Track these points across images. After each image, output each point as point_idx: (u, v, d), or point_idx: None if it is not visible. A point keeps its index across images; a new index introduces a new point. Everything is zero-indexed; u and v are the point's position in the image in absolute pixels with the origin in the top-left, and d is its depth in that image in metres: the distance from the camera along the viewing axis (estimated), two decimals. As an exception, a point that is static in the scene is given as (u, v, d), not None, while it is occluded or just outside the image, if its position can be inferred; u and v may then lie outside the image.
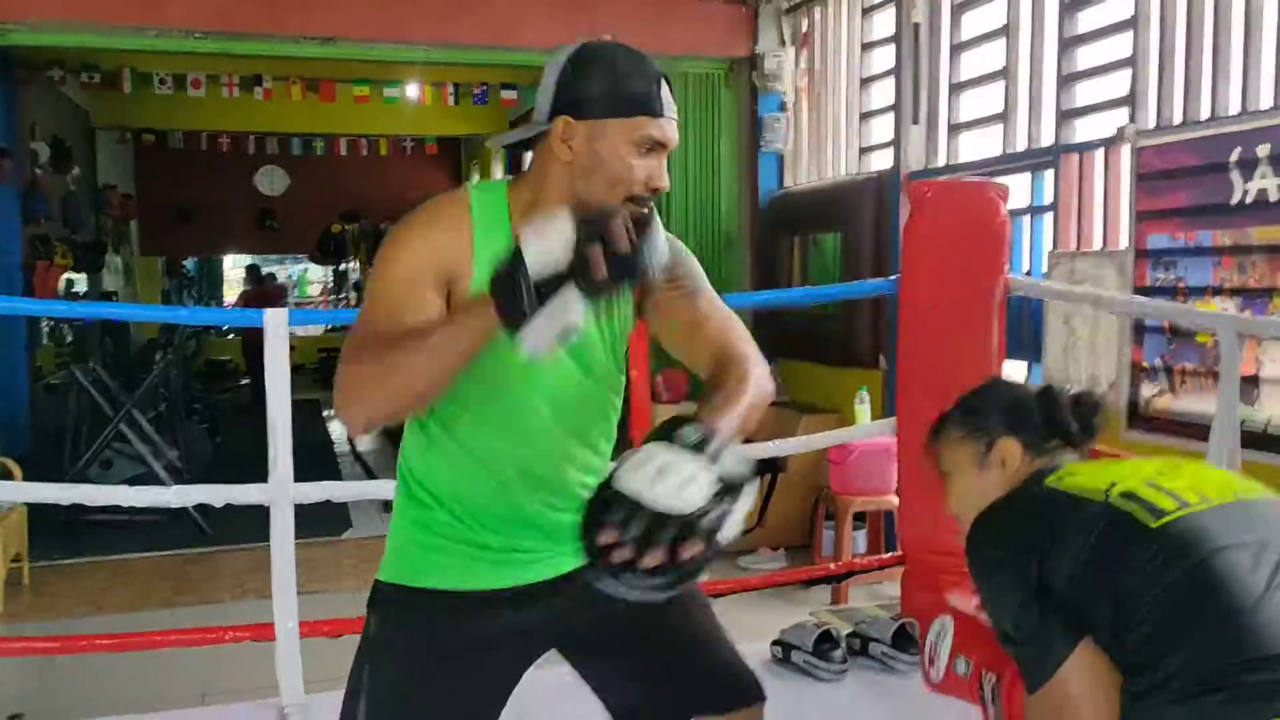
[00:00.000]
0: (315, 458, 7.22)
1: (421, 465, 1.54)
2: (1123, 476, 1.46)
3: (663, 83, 1.44)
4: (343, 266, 16.93)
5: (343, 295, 18.25)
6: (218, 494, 2.76)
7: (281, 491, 2.73)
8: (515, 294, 1.18)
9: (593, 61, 1.43)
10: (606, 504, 1.13)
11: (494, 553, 1.53)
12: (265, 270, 17.66)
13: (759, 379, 1.40)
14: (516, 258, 1.20)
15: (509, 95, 9.11)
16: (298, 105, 9.53)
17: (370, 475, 7.48)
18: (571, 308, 1.18)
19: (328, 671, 3.28)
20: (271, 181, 14.91)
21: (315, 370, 13.18)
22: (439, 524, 1.52)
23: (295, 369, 13.98)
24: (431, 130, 12.76)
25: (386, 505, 6.65)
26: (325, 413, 10.73)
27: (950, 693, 1.50)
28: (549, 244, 1.18)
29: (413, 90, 9.18)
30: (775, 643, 3.01)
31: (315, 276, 20.02)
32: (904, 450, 3.21)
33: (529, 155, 1.57)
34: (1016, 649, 1.45)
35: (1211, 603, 1.29)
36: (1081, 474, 1.52)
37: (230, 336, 13.12)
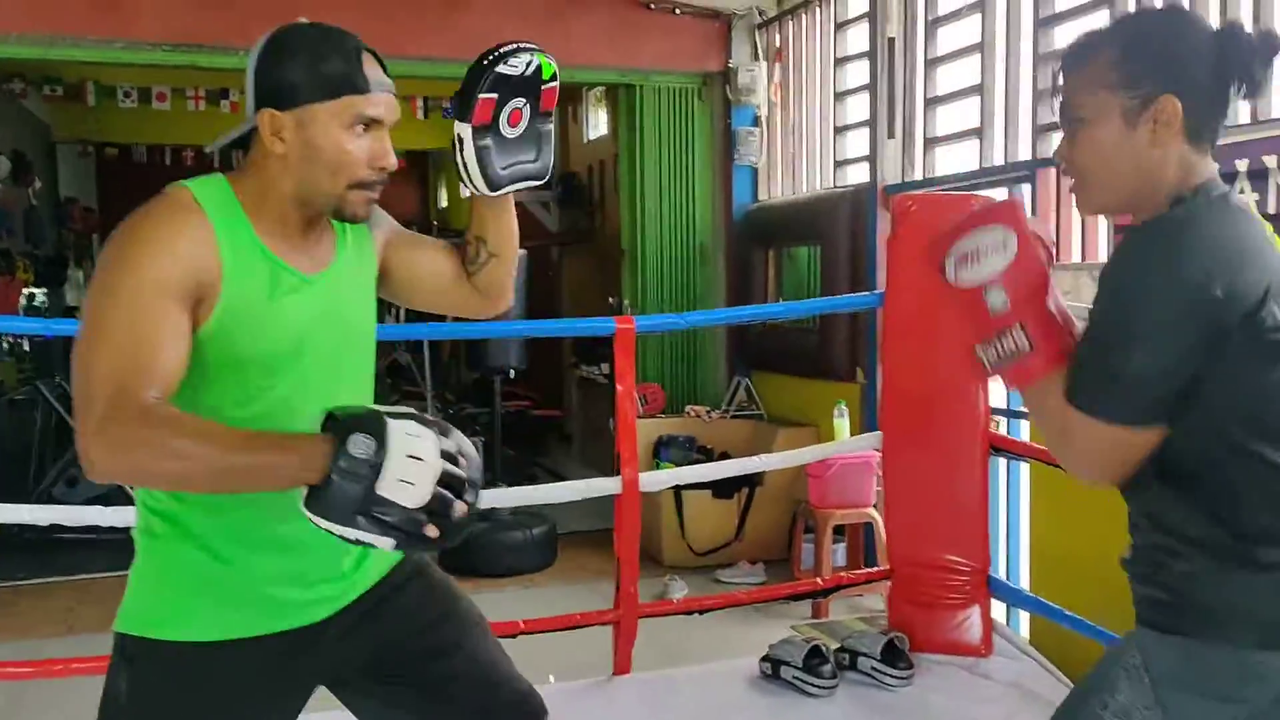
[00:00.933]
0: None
1: (168, 495, 1.39)
2: None
3: (365, 55, 1.37)
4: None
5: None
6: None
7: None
8: (344, 500, 1.13)
9: (285, 47, 1.36)
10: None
11: (253, 595, 1.41)
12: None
13: None
14: (379, 447, 1.12)
15: (479, 109, 9.10)
16: (264, 117, 9.44)
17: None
18: (385, 542, 1.16)
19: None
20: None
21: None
22: (193, 563, 1.39)
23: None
24: (399, 144, 12.45)
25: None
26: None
27: (958, 297, 1.36)
28: (413, 473, 1.13)
29: (382, 103, 9.12)
30: (764, 659, 3.00)
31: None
32: (889, 464, 3.22)
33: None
34: (1121, 370, 1.24)
35: None
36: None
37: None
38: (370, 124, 1.37)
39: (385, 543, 1.14)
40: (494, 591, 4.81)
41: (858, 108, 5.28)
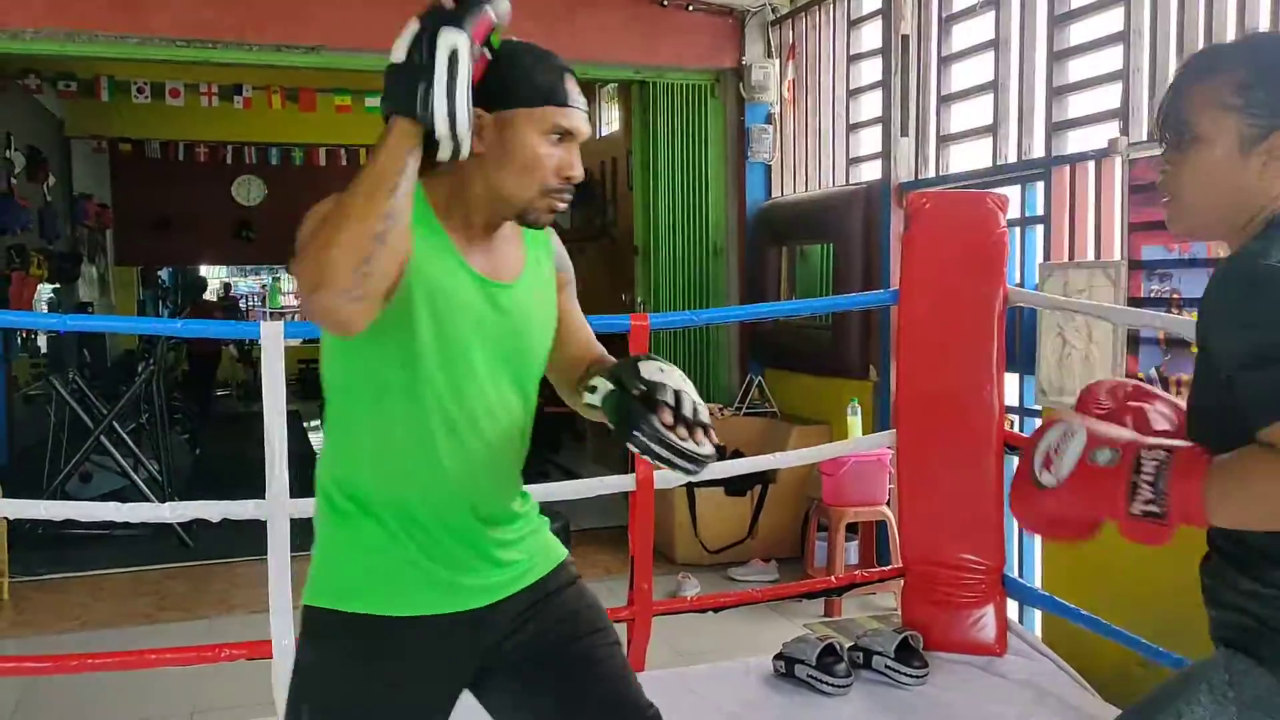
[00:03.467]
0: (296, 469, 7.15)
1: (350, 475, 1.49)
2: None
3: (569, 76, 1.47)
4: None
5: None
6: (214, 509, 2.71)
7: (278, 506, 2.69)
8: (411, 86, 1.31)
9: (499, 57, 1.45)
10: (644, 393, 1.36)
11: (425, 574, 1.48)
12: (223, 280, 17.51)
13: None
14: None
15: (490, 105, 9.10)
16: (277, 115, 9.46)
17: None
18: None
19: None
20: (249, 191, 14.82)
21: (295, 381, 13.06)
22: (368, 536, 1.47)
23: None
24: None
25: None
26: (306, 424, 10.65)
27: (1072, 495, 1.29)
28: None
29: (394, 100, 9.13)
30: (778, 657, 2.99)
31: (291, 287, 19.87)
32: (904, 461, 3.20)
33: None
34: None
35: None
36: None
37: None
38: (564, 135, 1.45)
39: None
40: (506, 588, 4.81)
41: (871, 105, 5.26)
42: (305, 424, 10.61)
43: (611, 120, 8.83)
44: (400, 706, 1.49)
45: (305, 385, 13.07)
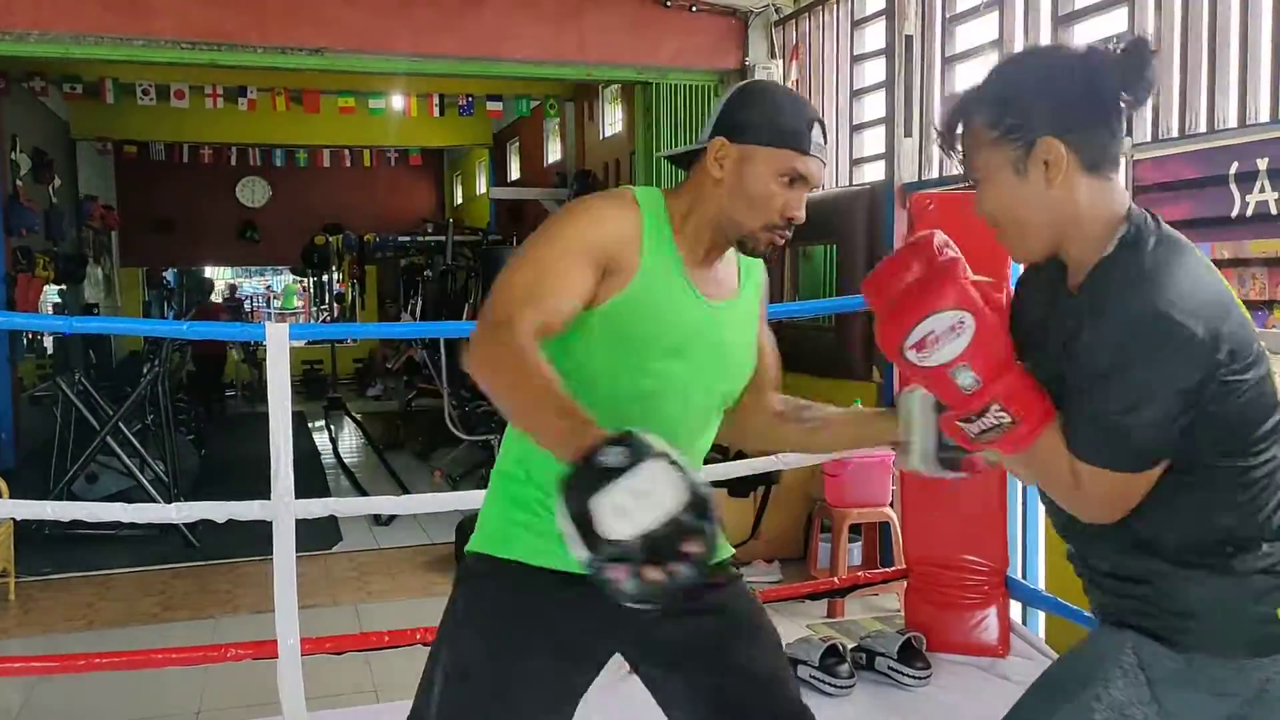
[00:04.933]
0: (301, 470, 7.18)
1: (523, 443, 1.57)
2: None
3: (817, 126, 1.55)
4: (324, 278, 16.85)
5: (324, 306, 18.15)
6: (220, 510, 2.72)
7: (284, 507, 2.71)
8: (580, 498, 1.15)
9: (756, 93, 1.57)
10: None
11: None
12: (230, 282, 17.53)
13: None
14: (611, 473, 1.15)
15: (494, 107, 9.13)
16: (281, 116, 9.50)
17: (359, 488, 7.41)
18: (578, 556, 1.16)
19: (328, 688, 3.27)
20: (253, 193, 14.87)
21: (299, 382, 13.09)
22: (531, 500, 1.56)
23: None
24: (415, 141, 12.75)
25: (377, 519, 6.61)
26: (311, 425, 10.68)
27: (924, 381, 1.35)
28: (632, 507, 1.13)
29: (398, 101, 9.17)
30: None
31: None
32: (907, 463, 3.20)
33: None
34: (1127, 424, 1.25)
35: None
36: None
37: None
38: (796, 180, 1.53)
39: (579, 552, 1.15)
40: (510, 588, 4.82)
41: (875, 105, 5.27)
42: (310, 425, 10.65)
43: (615, 121, 8.84)
44: (539, 651, 1.54)
45: (309, 386, 13.12)
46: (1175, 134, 3.52)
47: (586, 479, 1.15)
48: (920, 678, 2.91)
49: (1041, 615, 3.75)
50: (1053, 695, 1.41)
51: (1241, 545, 1.31)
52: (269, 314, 20.37)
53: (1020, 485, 3.92)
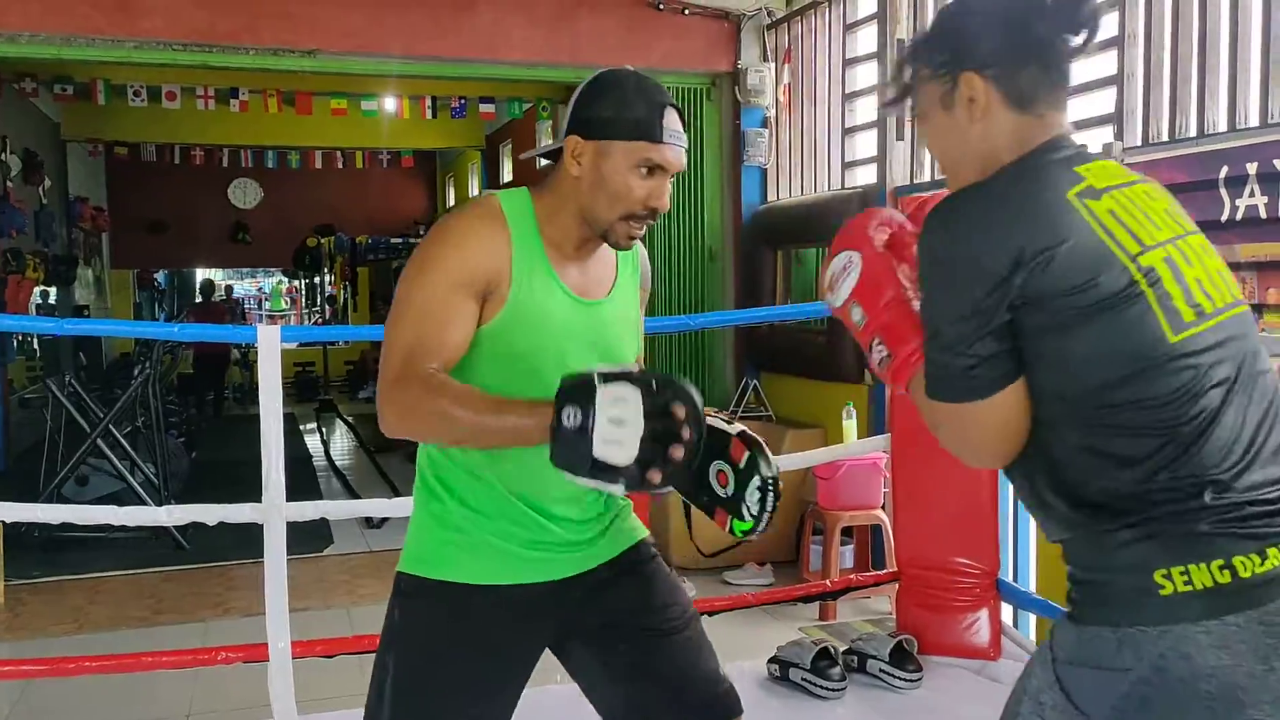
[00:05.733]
0: (293, 472, 7.16)
1: (439, 456, 1.63)
2: (1144, 233, 1.24)
3: (668, 111, 1.56)
4: (316, 280, 16.83)
5: (316, 308, 18.13)
6: (211, 513, 2.72)
7: (275, 510, 2.70)
8: (574, 456, 1.26)
9: (604, 87, 1.57)
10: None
11: (502, 549, 1.60)
12: (225, 283, 17.49)
13: None
14: (584, 422, 1.24)
15: (487, 109, 9.11)
16: (273, 118, 9.47)
17: (350, 491, 7.40)
18: (616, 489, 1.27)
19: (319, 691, 3.26)
20: (245, 194, 14.84)
21: (291, 384, 13.06)
22: (452, 517, 1.61)
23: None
24: (408, 143, 12.72)
25: (368, 521, 6.58)
26: (303, 427, 10.65)
27: (841, 317, 1.45)
28: (618, 435, 1.24)
29: (390, 103, 9.15)
30: (772, 660, 3.00)
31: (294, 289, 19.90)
32: (898, 466, 3.21)
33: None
34: (937, 353, 1.26)
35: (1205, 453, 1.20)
36: (1102, 195, 1.25)
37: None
38: (654, 169, 1.55)
39: (615, 489, 1.27)
40: (502, 591, 4.81)
41: (866, 109, 5.28)
42: (301, 427, 10.63)
43: (608, 124, 8.83)
44: (475, 661, 1.61)
45: (301, 388, 13.09)
46: (1165, 138, 3.54)
47: (568, 445, 1.25)
48: (912, 680, 2.92)
49: (1033, 618, 3.76)
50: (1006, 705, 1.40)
51: (1106, 500, 1.23)
52: (260, 316, 20.36)
53: (1011, 490, 3.93)
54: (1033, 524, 3.96)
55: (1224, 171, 3.22)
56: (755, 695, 2.94)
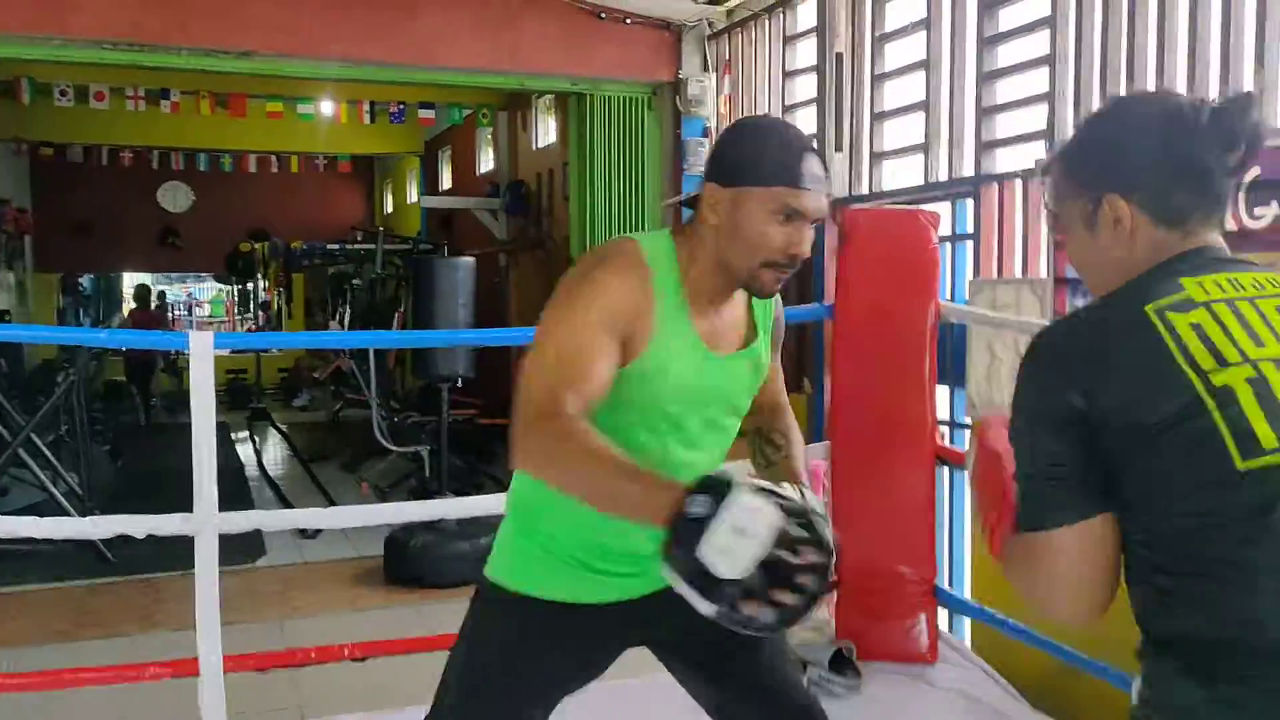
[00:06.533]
0: (224, 482, 7.00)
1: (534, 482, 1.62)
2: (1230, 350, 1.14)
3: (808, 155, 1.52)
4: (249, 286, 16.53)
5: (249, 315, 17.80)
6: (139, 524, 2.64)
7: (207, 520, 2.63)
8: (680, 549, 1.19)
9: (743, 132, 1.58)
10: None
11: (586, 571, 1.65)
12: (157, 288, 17.11)
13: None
14: (712, 510, 1.18)
15: (427, 115, 9.04)
16: (206, 120, 9.29)
17: (284, 501, 7.27)
18: (704, 606, 1.19)
19: (252, 706, 3.19)
20: (175, 198, 14.54)
21: (223, 392, 12.79)
22: (540, 536, 1.66)
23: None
24: (345, 148, 12.59)
25: (303, 532, 6.45)
26: (235, 435, 10.44)
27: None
28: (735, 546, 1.16)
29: (328, 107, 9.03)
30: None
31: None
32: (838, 474, 3.23)
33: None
34: (1020, 481, 1.23)
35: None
36: (1197, 308, 1.17)
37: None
38: (792, 215, 1.51)
39: (703, 606, 1.19)
40: (442, 603, 4.75)
41: (806, 120, 5.33)
42: (233, 435, 10.42)
43: (548, 131, 8.82)
44: (542, 666, 1.67)
45: (233, 396, 12.83)
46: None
47: (684, 535, 1.18)
48: (851, 686, 2.93)
49: (968, 622, 3.82)
50: None
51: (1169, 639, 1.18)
52: (190, 322, 19.93)
53: (946, 495, 3.99)
54: (968, 531, 4.02)
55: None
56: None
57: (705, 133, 6.08)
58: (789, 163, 1.49)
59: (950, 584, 4.01)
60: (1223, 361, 1.13)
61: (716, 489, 1.18)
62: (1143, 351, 1.16)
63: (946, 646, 3.18)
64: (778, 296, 1.72)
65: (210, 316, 20.60)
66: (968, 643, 3.59)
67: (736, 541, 1.15)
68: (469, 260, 5.98)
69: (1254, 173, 3.11)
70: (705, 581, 1.17)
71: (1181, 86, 3.34)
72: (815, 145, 1.56)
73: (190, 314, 20.58)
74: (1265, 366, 1.13)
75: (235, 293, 18.46)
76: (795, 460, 1.73)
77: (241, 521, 2.74)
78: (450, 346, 5.55)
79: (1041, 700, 3.04)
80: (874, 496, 3.15)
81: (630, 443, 1.53)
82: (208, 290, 21.06)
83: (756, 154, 1.51)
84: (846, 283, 3.21)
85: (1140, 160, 1.25)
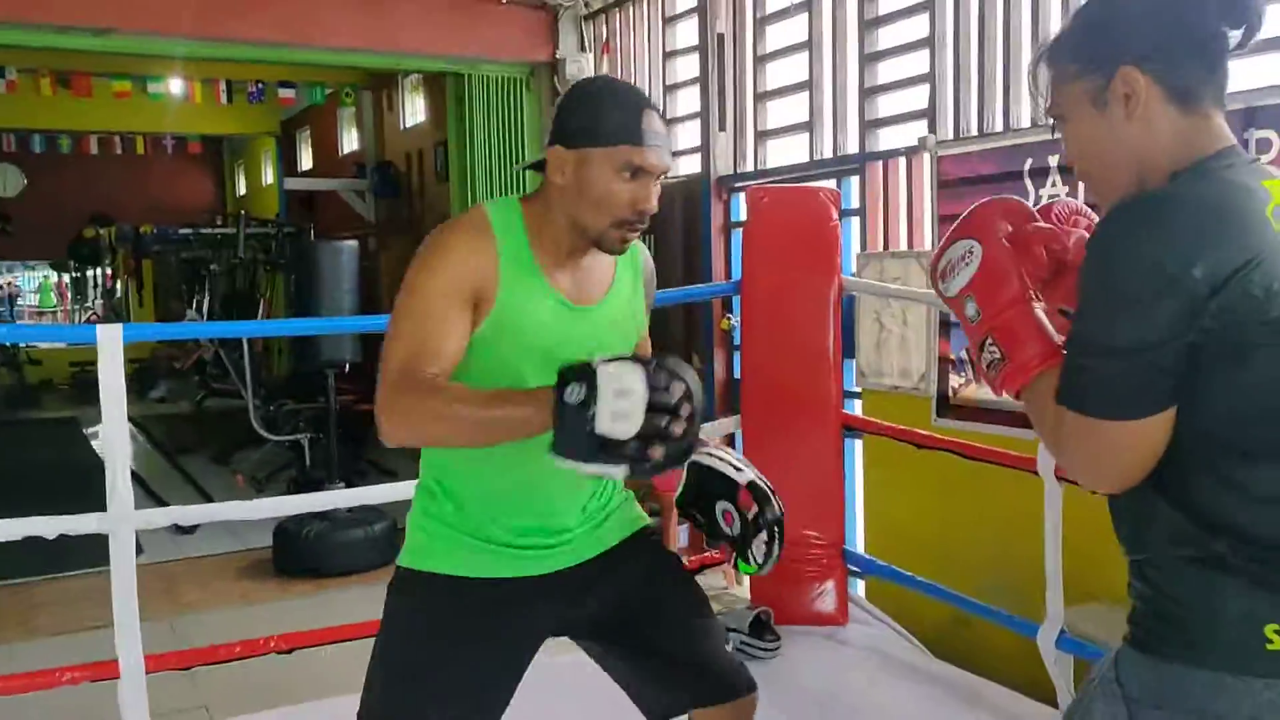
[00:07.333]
0: (86, 480, 6.67)
1: (439, 459, 1.68)
2: None
3: (647, 112, 1.57)
4: (90, 274, 15.68)
5: (88, 304, 16.90)
6: (50, 526, 2.53)
7: (123, 519, 2.55)
8: (577, 439, 1.24)
9: (583, 94, 1.60)
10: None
11: (496, 545, 1.66)
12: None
13: None
14: (588, 397, 1.23)
15: (287, 94, 8.74)
16: (45, 100, 8.74)
17: (157, 498, 6.97)
18: (616, 472, 1.26)
19: (163, 705, 3.08)
20: (5, 181, 13.63)
21: (69, 386, 12.14)
22: (445, 514, 1.66)
23: (45, 385, 12.95)
24: (194, 128, 12.02)
25: (179, 527, 6.20)
26: (87, 430, 9.92)
27: (952, 308, 1.39)
28: (624, 408, 1.22)
29: (178, 86, 8.63)
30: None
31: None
32: (750, 446, 3.34)
33: None
34: (1095, 362, 1.14)
35: None
36: None
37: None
38: (638, 172, 1.55)
39: (616, 471, 1.25)
40: (342, 590, 4.67)
41: (689, 100, 5.41)
42: (85, 431, 9.91)
43: (416, 111, 8.67)
44: (466, 651, 1.65)
45: (82, 390, 12.17)
46: (975, 133, 3.82)
47: (574, 422, 1.24)
48: (771, 650, 3.05)
49: (861, 583, 3.99)
50: None
51: (1231, 538, 1.14)
52: (12, 315, 18.61)
53: (854, 462, 4.15)
54: (859, 492, 4.21)
55: (1028, 164, 3.52)
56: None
57: (585, 112, 6.09)
58: (629, 121, 1.54)
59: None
60: None
61: (580, 372, 1.25)
62: (1271, 249, 1.10)
63: (856, 607, 3.34)
64: (644, 250, 1.80)
65: (39, 307, 19.37)
66: (864, 597, 3.77)
67: (623, 403, 1.22)
68: (352, 244, 5.86)
69: (1056, 157, 3.35)
70: (609, 452, 1.23)
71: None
72: (654, 104, 1.60)
73: (10, 306, 19.16)
74: None
75: (71, 282, 17.49)
76: None
77: (160, 518, 2.65)
78: (338, 332, 5.43)
79: (941, 649, 3.23)
80: (785, 466, 3.27)
81: None
82: (34, 279, 19.74)
83: (597, 114, 1.55)
84: (752, 259, 3.31)
85: (1152, 29, 1.22)
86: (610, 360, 1.25)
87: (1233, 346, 1.11)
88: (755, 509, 1.65)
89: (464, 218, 1.62)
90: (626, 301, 1.73)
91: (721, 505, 1.70)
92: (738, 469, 1.70)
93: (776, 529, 1.67)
